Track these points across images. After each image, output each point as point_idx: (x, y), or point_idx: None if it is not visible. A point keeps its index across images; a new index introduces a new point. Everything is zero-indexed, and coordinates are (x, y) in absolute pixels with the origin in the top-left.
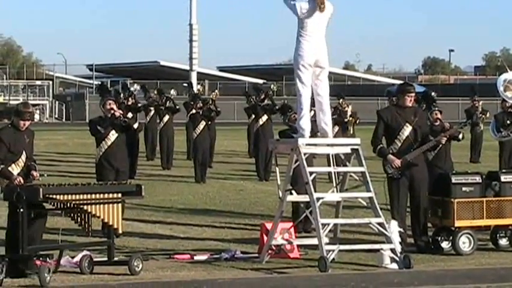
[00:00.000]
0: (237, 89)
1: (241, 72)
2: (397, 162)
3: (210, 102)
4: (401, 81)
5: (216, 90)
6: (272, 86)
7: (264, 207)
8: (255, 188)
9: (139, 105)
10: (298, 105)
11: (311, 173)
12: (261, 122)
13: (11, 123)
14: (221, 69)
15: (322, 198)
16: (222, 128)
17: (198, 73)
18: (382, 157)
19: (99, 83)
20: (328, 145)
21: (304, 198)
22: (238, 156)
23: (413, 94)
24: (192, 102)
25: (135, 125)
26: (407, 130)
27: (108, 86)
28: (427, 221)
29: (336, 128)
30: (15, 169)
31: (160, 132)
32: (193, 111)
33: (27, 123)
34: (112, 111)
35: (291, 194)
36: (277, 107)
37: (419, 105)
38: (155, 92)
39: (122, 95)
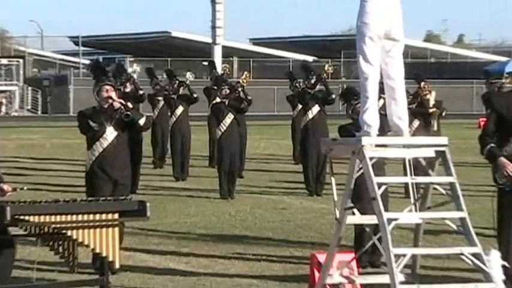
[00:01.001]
0: (278, 69)
1: (282, 46)
2: None
3: (240, 87)
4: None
5: (246, 72)
6: (326, 65)
7: (314, 232)
8: (302, 206)
9: (140, 93)
10: (361, 92)
11: (380, 185)
12: (310, 115)
13: None
14: (255, 42)
15: (396, 219)
16: (257, 124)
17: (224, 48)
18: (491, 161)
19: (91, 61)
20: (403, 146)
21: (371, 219)
22: (279, 162)
23: None
24: (216, 88)
25: (142, 121)
26: None
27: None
28: None
29: (415, 123)
30: None
31: (172, 130)
32: (217, 100)
33: None
34: (110, 101)
35: (353, 213)
36: (333, 95)
37: None
38: (164, 75)
39: (116, 79)
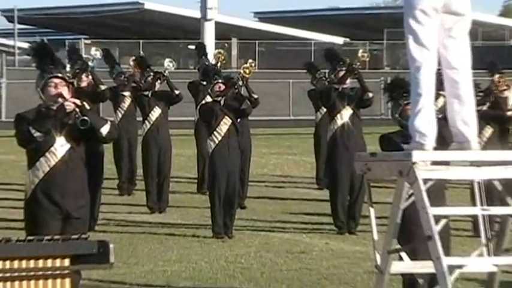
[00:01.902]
0: (294, 55)
1: (300, 23)
2: None
3: (240, 81)
4: None
5: (251, 60)
6: (360, 51)
7: (345, 286)
8: (328, 249)
9: (101, 88)
10: (412, 87)
11: (439, 219)
12: (339, 121)
13: None
14: (262, 17)
15: (461, 266)
16: (265, 133)
17: (219, 25)
18: None
19: (32, 43)
20: (471, 164)
21: (425, 267)
22: (296, 187)
23: None
24: (205, 83)
25: (105, 128)
26: None
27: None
28: None
29: (487, 131)
30: None
31: (145, 142)
32: (208, 99)
33: None
34: (61, 100)
35: (400, 259)
36: (370, 93)
37: None
38: (132, 63)
39: (67, 68)
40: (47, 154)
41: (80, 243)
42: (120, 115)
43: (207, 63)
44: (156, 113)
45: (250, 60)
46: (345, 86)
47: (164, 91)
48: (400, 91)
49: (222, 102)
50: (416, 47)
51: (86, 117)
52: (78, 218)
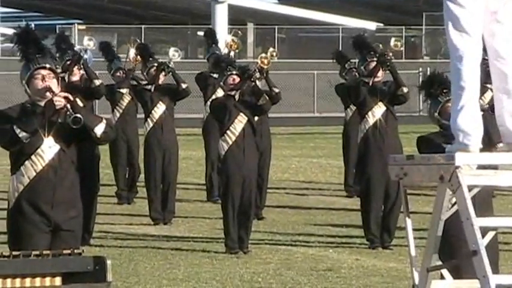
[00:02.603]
0: (319, 43)
1: (326, 6)
2: None
3: (258, 73)
4: None
5: (272, 49)
6: (393, 39)
7: None
8: (359, 265)
9: (96, 83)
10: (453, 80)
11: (486, 231)
12: (371, 120)
13: None
14: None
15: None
16: (286, 132)
17: (231, 8)
18: None
19: (16, 29)
20: None
21: (471, 286)
22: (321, 194)
23: None
24: (217, 75)
25: (99, 128)
26: None
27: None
28: None
29: None
30: None
31: (147, 143)
32: (219, 93)
33: None
34: (49, 95)
35: (441, 277)
36: (404, 88)
37: None
38: (132, 53)
39: (56, 59)
40: (33, 157)
41: (72, 259)
42: (118, 114)
43: (217, 52)
44: (159, 109)
45: (271, 49)
46: (376, 79)
47: (169, 85)
48: (439, 87)
49: (236, 98)
50: (457, 34)
51: (78, 115)
52: (69, 230)
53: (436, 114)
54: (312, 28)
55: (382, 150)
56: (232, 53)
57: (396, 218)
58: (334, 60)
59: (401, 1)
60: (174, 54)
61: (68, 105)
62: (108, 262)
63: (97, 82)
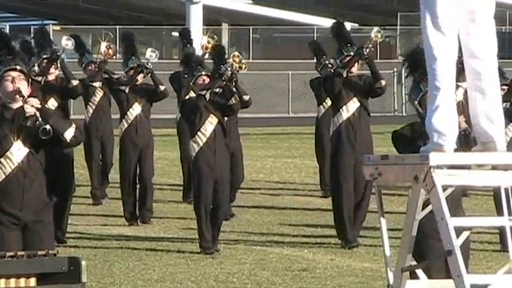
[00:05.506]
0: (294, 43)
1: (301, 6)
2: None
3: (229, 72)
4: None
5: (236, 52)
6: (374, 30)
7: None
8: (334, 265)
9: (73, 83)
10: (429, 79)
11: (460, 231)
12: (345, 114)
13: None
14: None
15: (486, 286)
16: (260, 132)
17: (206, 8)
18: None
19: None
20: (496, 168)
21: (445, 286)
22: (296, 194)
23: None
24: (190, 76)
25: (69, 133)
26: None
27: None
28: None
29: None
30: None
31: (123, 143)
32: (191, 94)
33: None
34: (19, 97)
35: (415, 276)
36: (382, 81)
37: None
38: (103, 46)
39: (30, 60)
40: (2, 160)
41: (47, 260)
42: (91, 110)
43: (189, 52)
44: (135, 110)
45: (235, 53)
46: (350, 74)
47: (146, 85)
48: (424, 72)
49: (207, 97)
50: (433, 33)
51: (47, 126)
52: (40, 230)
53: (416, 102)
54: (286, 28)
55: (355, 146)
56: (207, 55)
57: (363, 215)
58: (311, 50)
59: (376, 1)
60: (151, 55)
61: (37, 113)
62: (83, 263)
63: (74, 82)
